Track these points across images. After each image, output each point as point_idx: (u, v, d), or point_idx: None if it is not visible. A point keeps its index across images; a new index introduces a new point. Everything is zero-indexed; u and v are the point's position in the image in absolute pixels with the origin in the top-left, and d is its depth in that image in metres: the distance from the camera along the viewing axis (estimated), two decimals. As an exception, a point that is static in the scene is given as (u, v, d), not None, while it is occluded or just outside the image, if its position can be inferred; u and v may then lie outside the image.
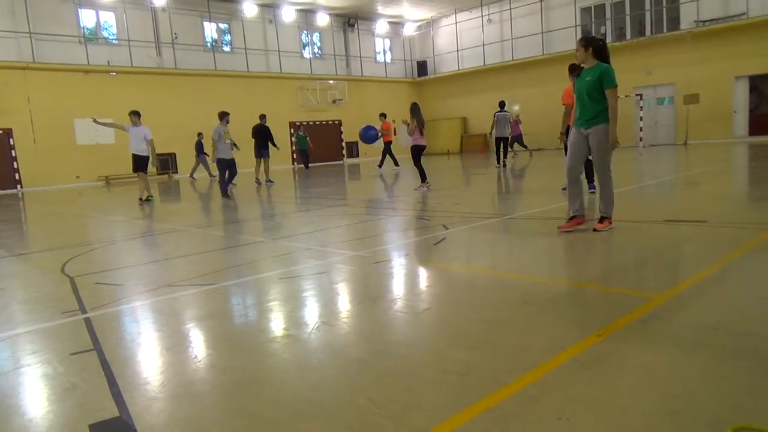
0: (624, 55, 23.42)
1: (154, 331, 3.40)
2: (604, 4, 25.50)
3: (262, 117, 16.33)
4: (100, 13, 22.10)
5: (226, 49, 25.91)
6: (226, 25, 25.80)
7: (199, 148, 20.60)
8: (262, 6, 26.03)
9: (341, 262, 4.94)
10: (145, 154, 11.95)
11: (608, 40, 25.32)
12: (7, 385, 2.68)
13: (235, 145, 12.54)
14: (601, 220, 5.46)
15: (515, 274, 4.23)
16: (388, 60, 32.84)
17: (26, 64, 19.70)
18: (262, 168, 15.95)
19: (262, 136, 15.84)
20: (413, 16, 31.35)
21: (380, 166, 19.33)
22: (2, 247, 7.34)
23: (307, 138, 22.55)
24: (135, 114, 11.90)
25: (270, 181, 16.00)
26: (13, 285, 4.95)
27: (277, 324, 3.41)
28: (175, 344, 3.12)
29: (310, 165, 23.73)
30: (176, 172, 23.19)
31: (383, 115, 19.14)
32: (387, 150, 18.71)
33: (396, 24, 32.31)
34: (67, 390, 2.54)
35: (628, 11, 24.74)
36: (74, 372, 2.74)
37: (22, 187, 19.92)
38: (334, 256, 5.27)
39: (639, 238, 4.79)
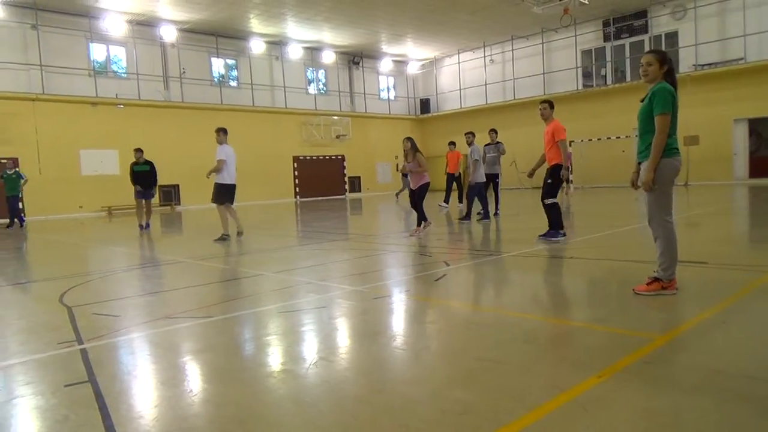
0: (624, 97, 23.80)
1: (150, 363, 3.36)
2: (604, 47, 26.02)
3: (138, 150, 13.30)
4: (111, 47, 22.56)
5: (233, 84, 26.36)
6: (233, 61, 26.30)
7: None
8: (270, 43, 26.59)
9: (341, 297, 4.92)
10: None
11: (609, 82, 25.80)
12: (-2, 417, 2.65)
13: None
14: (651, 281, 4.40)
15: (517, 313, 4.20)
16: (392, 97, 33.34)
17: (35, 95, 20.01)
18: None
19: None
20: (417, 55, 31.98)
21: (446, 201, 16.16)
22: (1, 276, 7.32)
23: (22, 180, 16.07)
24: (222, 131, 9.90)
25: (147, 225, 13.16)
26: (9, 314, 4.92)
27: (274, 359, 3.37)
28: (170, 378, 3.08)
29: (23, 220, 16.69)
30: (179, 204, 23.28)
31: (452, 144, 16.74)
32: (450, 183, 16.27)
33: (400, 62, 32.92)
34: (59, 422, 2.50)
35: (628, 54, 25.22)
36: (67, 404, 2.70)
37: (24, 216, 19.95)
38: (333, 290, 5.24)
39: (641, 278, 4.76)
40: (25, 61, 20.06)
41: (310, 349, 3.50)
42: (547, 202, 7.73)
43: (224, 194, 9.92)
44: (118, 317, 4.54)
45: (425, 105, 33.63)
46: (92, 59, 21.96)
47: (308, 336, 3.81)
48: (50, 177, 20.24)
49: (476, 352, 3.23)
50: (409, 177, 9.87)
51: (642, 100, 4.38)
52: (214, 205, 10.11)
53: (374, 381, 2.87)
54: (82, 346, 3.64)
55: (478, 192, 11.31)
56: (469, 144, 11.88)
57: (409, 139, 9.72)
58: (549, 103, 7.92)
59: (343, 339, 3.74)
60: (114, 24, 21.56)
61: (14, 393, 2.94)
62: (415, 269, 6.42)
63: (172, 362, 3.36)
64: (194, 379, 3.09)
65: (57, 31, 20.76)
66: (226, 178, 9.78)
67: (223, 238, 9.82)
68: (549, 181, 7.73)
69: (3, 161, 19.39)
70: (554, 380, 2.71)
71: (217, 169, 9.73)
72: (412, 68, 33.62)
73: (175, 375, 3.14)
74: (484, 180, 11.52)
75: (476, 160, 11.37)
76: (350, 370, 3.09)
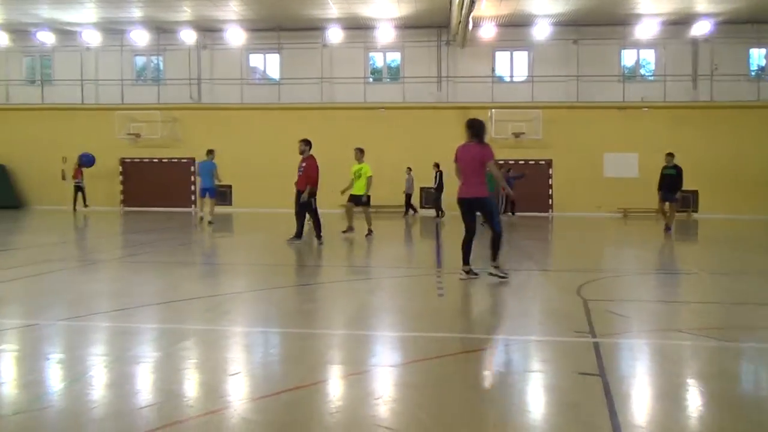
0: None
1: (656, 374, 3.30)
2: None
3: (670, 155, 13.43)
4: (641, 51, 22.86)
5: (776, 75, 22.51)
6: (780, 49, 22.42)
7: None
8: (838, 19, 21.33)
9: None
10: None
11: None
12: (515, 383, 3.12)
13: None
14: None
15: None
16: None
17: (571, 103, 22.33)
18: None
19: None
20: None
21: None
22: (531, 260, 8.54)
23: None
24: None
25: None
26: (536, 296, 5.72)
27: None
28: (674, 394, 2.97)
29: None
30: (695, 211, 21.72)
31: None
32: None
33: None
34: (569, 406, 2.74)
35: None
36: (578, 391, 2.93)
37: (552, 211, 22.67)
38: None
39: None
40: (566, 73, 22.59)
41: None
42: None
43: None
44: (628, 318, 4.62)
45: None
46: (622, 65, 22.82)
47: None
48: (577, 178, 22.24)
49: None
50: None
51: None
52: None
53: None
54: (594, 340, 3.86)
55: None
56: None
57: None
58: None
59: None
60: (646, 28, 21.70)
61: (531, 367, 3.42)
62: None
63: (676, 378, 3.21)
64: (696, 403, 2.85)
65: (593, 43, 22.45)
66: None
67: None
68: None
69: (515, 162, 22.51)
70: None
71: None
72: None
73: (679, 392, 2.99)
74: None
75: None
76: None
